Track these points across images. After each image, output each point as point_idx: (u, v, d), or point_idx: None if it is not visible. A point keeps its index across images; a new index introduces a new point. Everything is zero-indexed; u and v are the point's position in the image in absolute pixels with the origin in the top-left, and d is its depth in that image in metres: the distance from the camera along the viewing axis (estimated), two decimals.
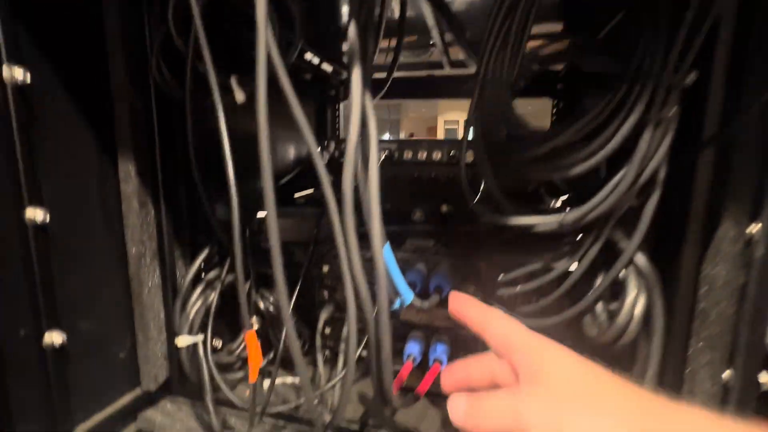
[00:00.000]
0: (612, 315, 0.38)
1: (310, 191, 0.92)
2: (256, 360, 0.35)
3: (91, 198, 0.50)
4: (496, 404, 0.25)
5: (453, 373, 0.33)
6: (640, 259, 0.36)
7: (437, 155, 0.88)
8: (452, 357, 0.61)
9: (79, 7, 0.46)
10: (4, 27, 0.38)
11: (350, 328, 0.33)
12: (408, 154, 0.89)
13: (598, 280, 0.40)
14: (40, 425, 0.45)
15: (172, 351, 0.59)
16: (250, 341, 0.35)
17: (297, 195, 0.90)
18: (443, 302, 0.57)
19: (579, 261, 0.39)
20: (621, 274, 0.37)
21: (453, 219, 0.67)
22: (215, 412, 0.53)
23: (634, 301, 0.35)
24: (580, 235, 0.49)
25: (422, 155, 0.89)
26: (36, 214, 0.41)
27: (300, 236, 0.67)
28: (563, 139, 0.36)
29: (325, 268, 0.66)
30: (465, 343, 0.62)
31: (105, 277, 0.52)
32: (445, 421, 0.57)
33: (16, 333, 0.42)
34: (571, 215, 0.36)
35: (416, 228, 0.70)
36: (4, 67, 0.38)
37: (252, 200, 0.76)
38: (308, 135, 0.35)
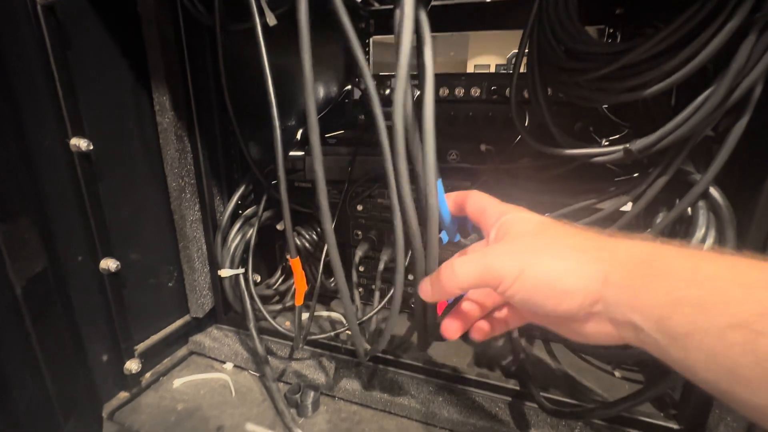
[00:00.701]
0: None
1: (341, 132, 0.89)
2: (301, 284, 0.36)
3: (130, 130, 0.50)
4: (467, 261, 0.27)
5: None
6: (715, 192, 0.32)
7: (475, 92, 0.82)
8: None
9: None
10: None
11: (398, 252, 0.32)
12: (444, 92, 0.84)
13: (659, 217, 0.37)
14: (106, 342, 0.49)
15: (216, 282, 0.62)
16: (295, 267, 0.35)
17: (328, 135, 0.88)
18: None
19: (641, 195, 0.36)
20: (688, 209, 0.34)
21: (493, 157, 0.63)
22: (258, 339, 0.56)
23: (704, 237, 0.32)
24: (636, 174, 0.45)
25: (459, 92, 0.83)
26: (80, 143, 0.42)
27: (334, 176, 0.66)
28: (638, 54, 0.31)
29: (359, 207, 0.65)
30: None
31: (149, 210, 0.54)
32: (477, 357, 0.58)
33: (75, 258, 0.45)
34: (640, 142, 0.33)
35: (453, 167, 0.67)
36: None
37: (285, 136, 0.74)
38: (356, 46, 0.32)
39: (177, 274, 0.59)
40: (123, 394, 0.52)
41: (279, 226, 0.65)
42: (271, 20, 0.49)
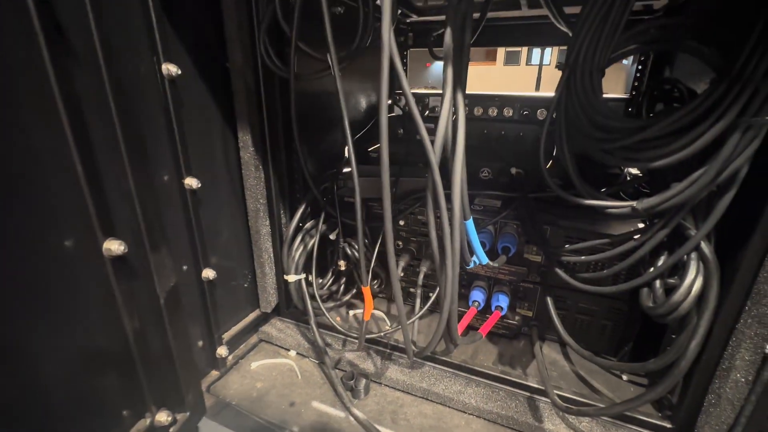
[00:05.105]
0: (668, 290, 0.43)
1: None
2: (369, 306, 0.46)
3: (221, 165, 0.61)
4: None
5: None
6: (705, 247, 0.40)
7: (508, 112, 0.88)
8: (511, 305, 0.71)
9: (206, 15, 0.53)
10: (160, 31, 0.46)
11: (448, 265, 0.42)
12: (478, 111, 0.91)
13: (660, 259, 0.44)
14: (203, 332, 0.62)
15: (280, 283, 0.74)
16: (366, 294, 0.45)
17: (370, 149, 0.97)
18: (509, 261, 0.64)
19: (646, 242, 0.44)
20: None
21: (522, 182, 0.71)
22: (318, 333, 0.68)
23: (692, 282, 0.40)
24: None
25: (493, 112, 0.89)
26: (192, 182, 0.53)
27: (378, 193, 0.75)
28: (653, 133, 0.39)
29: (402, 222, 0.75)
30: (524, 293, 0.70)
31: (234, 227, 0.66)
32: (500, 356, 0.68)
33: (181, 268, 0.57)
34: (646, 203, 0.40)
35: (486, 189, 0.75)
36: (163, 66, 0.47)
37: (333, 154, 0.84)
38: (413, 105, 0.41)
39: (251, 277, 0.72)
40: (214, 373, 0.66)
41: (332, 236, 0.76)
42: (336, 72, 0.58)
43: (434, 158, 0.40)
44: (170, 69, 0.48)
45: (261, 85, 0.61)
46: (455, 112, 0.41)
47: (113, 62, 0.39)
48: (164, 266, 0.47)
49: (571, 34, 0.44)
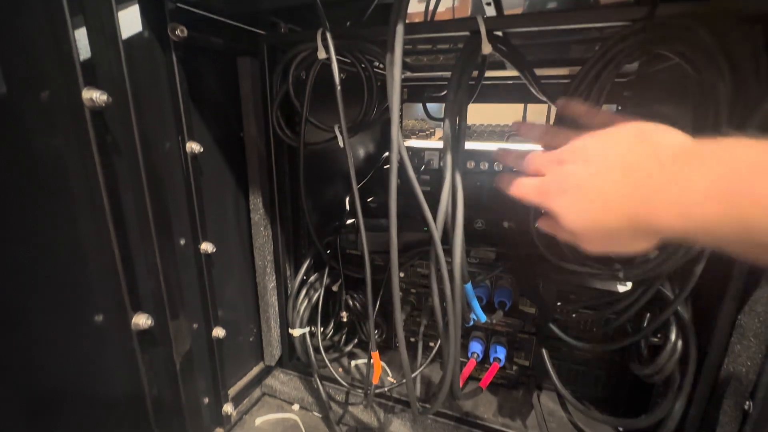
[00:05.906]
0: (652, 349, 0.47)
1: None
2: (378, 369, 0.49)
3: (233, 228, 0.65)
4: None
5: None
6: (683, 311, 0.44)
7: (499, 166, 0.94)
8: (509, 356, 0.73)
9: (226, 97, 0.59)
10: (186, 115, 0.51)
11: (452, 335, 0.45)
12: (470, 164, 0.97)
13: (645, 321, 0.49)
14: (209, 389, 0.63)
15: (284, 336, 0.76)
16: (375, 359, 0.48)
17: (369, 200, 1.01)
18: (506, 313, 0.68)
19: (630, 306, 0.48)
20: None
21: (515, 237, 0.75)
22: (322, 387, 0.69)
23: (674, 345, 0.44)
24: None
25: (484, 166, 0.96)
26: (207, 247, 0.56)
27: (378, 248, 0.79)
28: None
29: (401, 274, 0.79)
30: (520, 344, 0.73)
31: (243, 286, 0.68)
32: (499, 406, 0.70)
33: (192, 327, 0.59)
34: (629, 272, 0.45)
35: (480, 240, 0.79)
36: (188, 144, 0.52)
37: (335, 205, 0.88)
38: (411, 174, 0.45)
39: (256, 331, 0.74)
40: (219, 430, 0.66)
41: (334, 288, 0.79)
42: (342, 143, 0.63)
43: (437, 235, 0.44)
44: (194, 147, 0.52)
45: (272, 152, 0.66)
46: (453, 193, 0.46)
47: (148, 149, 0.43)
48: (181, 331, 0.49)
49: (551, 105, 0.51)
